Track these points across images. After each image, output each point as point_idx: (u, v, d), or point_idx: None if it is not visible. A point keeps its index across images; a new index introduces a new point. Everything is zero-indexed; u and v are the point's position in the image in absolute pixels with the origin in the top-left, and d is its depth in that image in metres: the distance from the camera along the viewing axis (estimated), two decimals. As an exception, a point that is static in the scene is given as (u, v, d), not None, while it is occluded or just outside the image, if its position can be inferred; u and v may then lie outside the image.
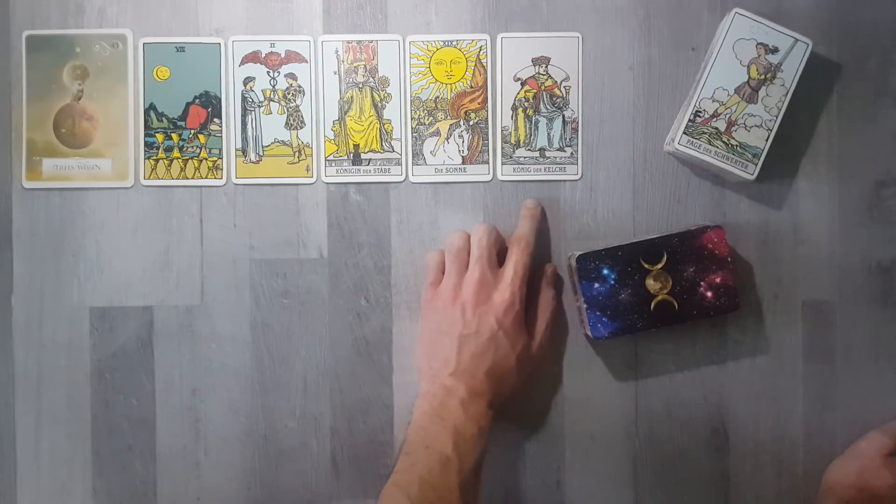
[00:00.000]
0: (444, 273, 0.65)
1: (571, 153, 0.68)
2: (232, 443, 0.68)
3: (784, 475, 0.68)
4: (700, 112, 0.64)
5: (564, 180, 0.68)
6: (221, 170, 0.68)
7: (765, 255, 0.68)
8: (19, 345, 0.68)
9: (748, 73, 0.64)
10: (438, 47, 0.68)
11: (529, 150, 0.68)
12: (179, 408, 0.68)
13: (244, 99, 0.68)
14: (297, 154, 0.68)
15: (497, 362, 0.63)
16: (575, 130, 0.68)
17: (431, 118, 0.68)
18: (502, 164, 0.68)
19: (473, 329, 0.62)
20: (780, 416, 0.68)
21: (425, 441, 0.60)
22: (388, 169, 0.68)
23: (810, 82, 0.66)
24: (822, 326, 0.68)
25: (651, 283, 0.64)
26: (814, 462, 0.67)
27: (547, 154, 0.68)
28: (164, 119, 0.68)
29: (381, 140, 0.68)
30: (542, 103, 0.68)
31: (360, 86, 0.68)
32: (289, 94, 0.68)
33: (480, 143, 0.68)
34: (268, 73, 0.68)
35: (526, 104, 0.68)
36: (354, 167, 0.68)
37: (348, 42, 0.68)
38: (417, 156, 0.68)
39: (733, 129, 0.64)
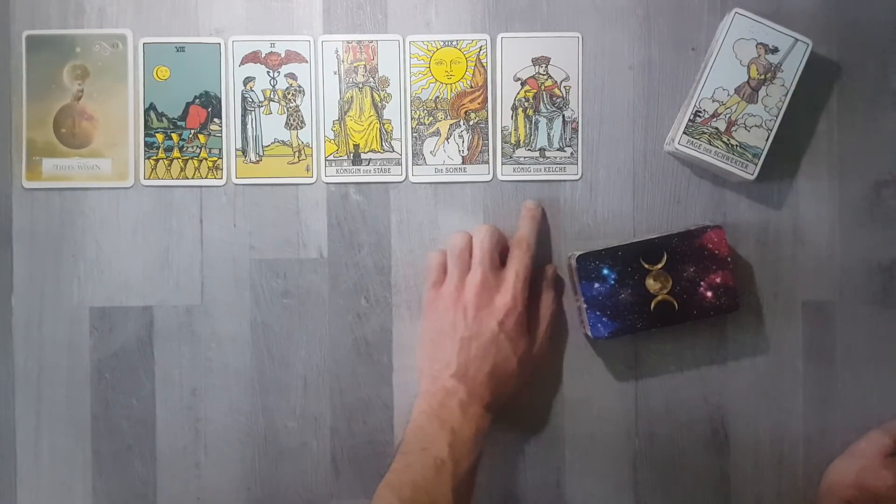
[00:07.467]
0: (445, 274, 0.65)
1: (571, 153, 0.68)
2: (232, 443, 0.68)
3: (784, 475, 0.68)
4: (700, 112, 0.64)
5: (564, 180, 0.68)
6: (221, 170, 0.68)
7: (765, 255, 0.68)
8: (19, 345, 0.68)
9: (748, 73, 0.64)
10: (438, 47, 0.68)
11: (529, 150, 0.68)
12: (179, 408, 0.68)
13: (244, 99, 0.68)
14: (297, 154, 0.68)
15: (498, 365, 0.62)
16: (575, 130, 0.68)
17: (431, 118, 0.68)
18: (502, 164, 0.68)
19: (475, 332, 0.62)
20: (780, 416, 0.68)
21: (422, 443, 0.60)
22: (388, 169, 0.68)
23: (810, 82, 0.66)
24: (822, 326, 0.68)
25: (651, 283, 0.64)
26: (814, 462, 0.67)
27: (547, 154, 0.68)
28: (164, 119, 0.68)
29: (381, 140, 0.68)
30: (542, 103, 0.68)
31: (360, 86, 0.68)
32: (289, 94, 0.68)
33: (480, 143, 0.68)
34: (268, 73, 0.68)
35: (526, 104, 0.68)
36: (354, 167, 0.68)
37: (348, 42, 0.68)
38: (417, 156, 0.68)
39: (733, 129, 0.64)
